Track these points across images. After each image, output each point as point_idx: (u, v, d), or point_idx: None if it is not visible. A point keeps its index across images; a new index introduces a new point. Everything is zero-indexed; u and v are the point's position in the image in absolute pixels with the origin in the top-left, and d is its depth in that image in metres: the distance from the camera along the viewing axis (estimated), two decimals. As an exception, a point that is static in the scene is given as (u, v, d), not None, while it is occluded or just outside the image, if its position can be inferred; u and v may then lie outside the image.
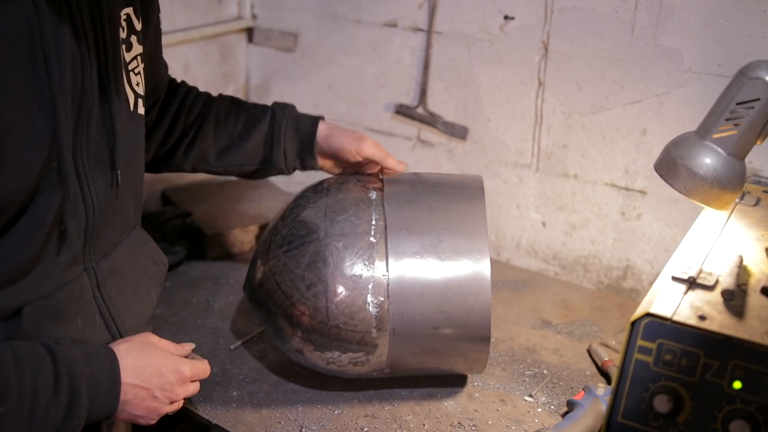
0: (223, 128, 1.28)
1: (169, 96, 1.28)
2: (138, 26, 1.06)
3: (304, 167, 1.28)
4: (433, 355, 1.13)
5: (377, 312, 1.08)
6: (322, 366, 1.14)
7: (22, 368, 0.85)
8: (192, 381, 1.05)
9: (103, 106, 0.96)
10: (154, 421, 1.02)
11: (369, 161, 1.25)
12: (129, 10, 1.03)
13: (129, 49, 1.03)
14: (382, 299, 1.08)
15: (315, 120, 1.26)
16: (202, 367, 1.06)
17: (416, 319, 1.09)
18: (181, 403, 1.05)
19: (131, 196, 1.08)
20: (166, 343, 1.05)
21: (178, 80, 1.33)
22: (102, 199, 0.98)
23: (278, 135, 1.25)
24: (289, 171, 1.29)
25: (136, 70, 1.05)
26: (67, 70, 0.89)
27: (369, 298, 1.08)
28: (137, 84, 1.05)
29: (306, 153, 1.25)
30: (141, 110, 1.07)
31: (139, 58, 1.06)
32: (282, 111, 1.28)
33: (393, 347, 1.10)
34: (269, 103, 1.31)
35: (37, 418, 0.85)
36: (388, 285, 1.08)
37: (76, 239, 0.95)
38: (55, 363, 0.88)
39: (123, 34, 1.01)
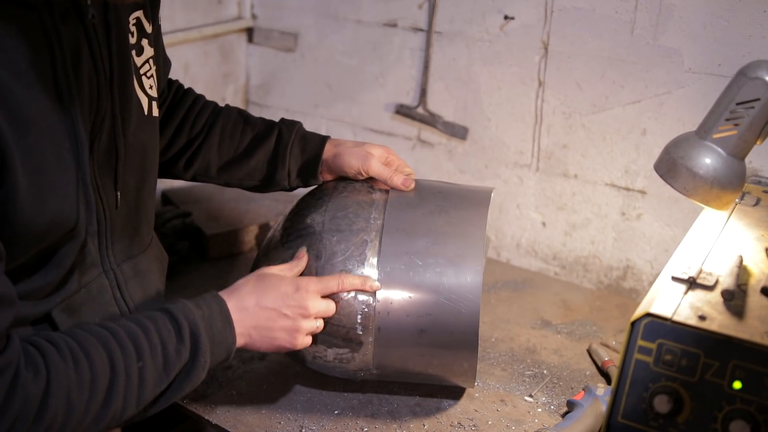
0: (228, 143, 1.26)
1: (175, 104, 1.26)
2: (149, 29, 1.06)
3: (306, 185, 1.27)
4: (419, 360, 1.11)
5: (363, 309, 1.07)
6: (309, 360, 1.14)
7: (144, 325, 0.92)
8: (323, 297, 1.06)
9: (114, 117, 0.98)
10: (299, 344, 1.04)
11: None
12: (139, 13, 1.03)
13: (140, 53, 1.03)
14: (369, 297, 1.08)
15: (322, 140, 1.24)
16: (325, 284, 1.05)
17: (402, 320, 1.08)
18: (320, 322, 1.06)
19: (149, 196, 1.10)
20: (280, 268, 1.07)
21: (185, 86, 1.31)
22: (112, 203, 0.99)
23: (283, 155, 1.23)
24: (291, 189, 1.28)
25: (148, 74, 1.05)
26: (86, 94, 0.91)
27: (356, 295, 1.07)
28: (150, 87, 1.05)
29: (310, 173, 1.24)
30: (155, 112, 1.08)
31: (150, 60, 1.06)
32: (289, 130, 1.25)
33: (378, 347, 1.09)
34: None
35: (170, 364, 0.92)
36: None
37: (91, 246, 0.98)
38: (170, 313, 0.94)
39: (133, 39, 1.01)
